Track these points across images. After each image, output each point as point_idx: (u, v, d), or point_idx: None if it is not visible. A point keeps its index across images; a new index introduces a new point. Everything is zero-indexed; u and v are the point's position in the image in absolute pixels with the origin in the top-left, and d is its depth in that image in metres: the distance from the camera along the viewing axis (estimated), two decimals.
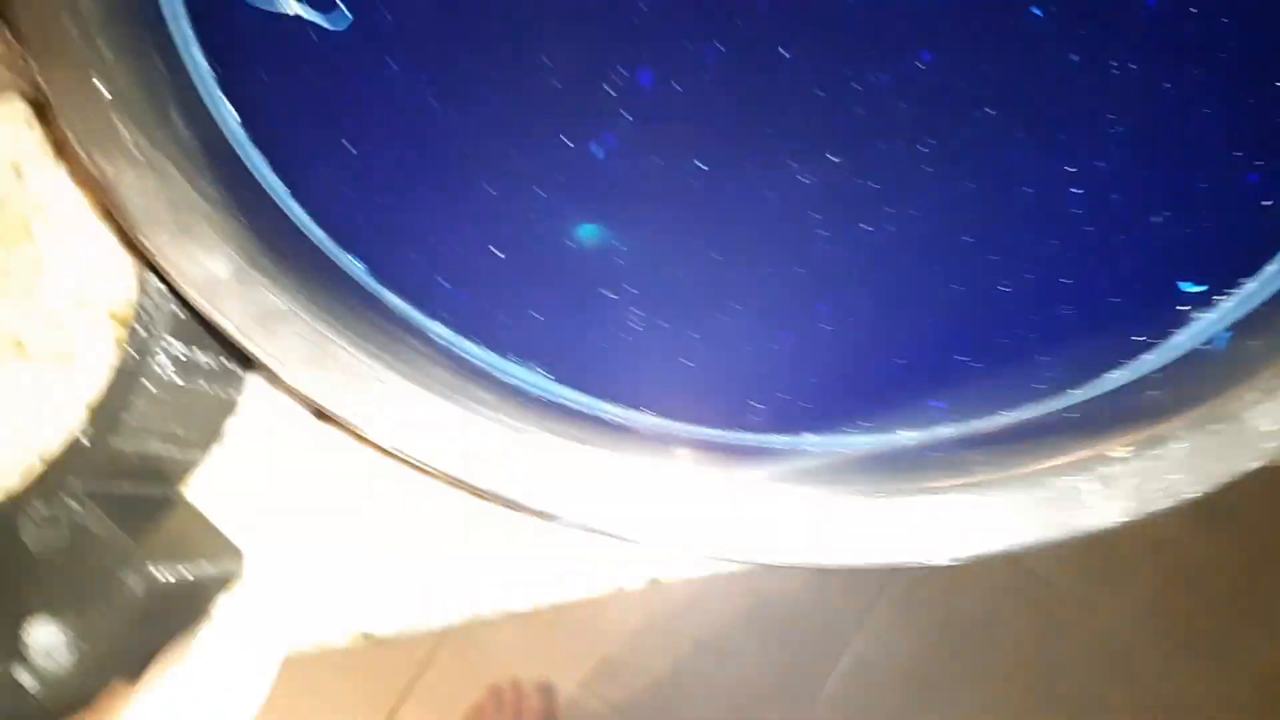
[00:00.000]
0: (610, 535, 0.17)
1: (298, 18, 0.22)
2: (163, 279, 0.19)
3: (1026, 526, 0.17)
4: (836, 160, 0.21)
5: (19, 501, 0.21)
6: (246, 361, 0.24)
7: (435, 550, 0.25)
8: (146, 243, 0.18)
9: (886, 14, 0.21)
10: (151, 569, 0.21)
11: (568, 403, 0.19)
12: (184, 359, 0.22)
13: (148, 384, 0.22)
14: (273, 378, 0.19)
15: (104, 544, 0.21)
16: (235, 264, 0.18)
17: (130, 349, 0.22)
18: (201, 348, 0.23)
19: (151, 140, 0.18)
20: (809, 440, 0.19)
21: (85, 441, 0.22)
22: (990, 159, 0.21)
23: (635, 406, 0.19)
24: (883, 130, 0.21)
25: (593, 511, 0.17)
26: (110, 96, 0.18)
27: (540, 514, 0.17)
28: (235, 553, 0.24)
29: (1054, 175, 0.20)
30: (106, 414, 0.22)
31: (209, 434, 0.25)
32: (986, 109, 0.21)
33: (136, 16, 0.21)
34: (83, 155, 0.18)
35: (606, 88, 0.21)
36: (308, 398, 0.17)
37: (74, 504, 0.21)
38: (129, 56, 0.19)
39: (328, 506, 0.25)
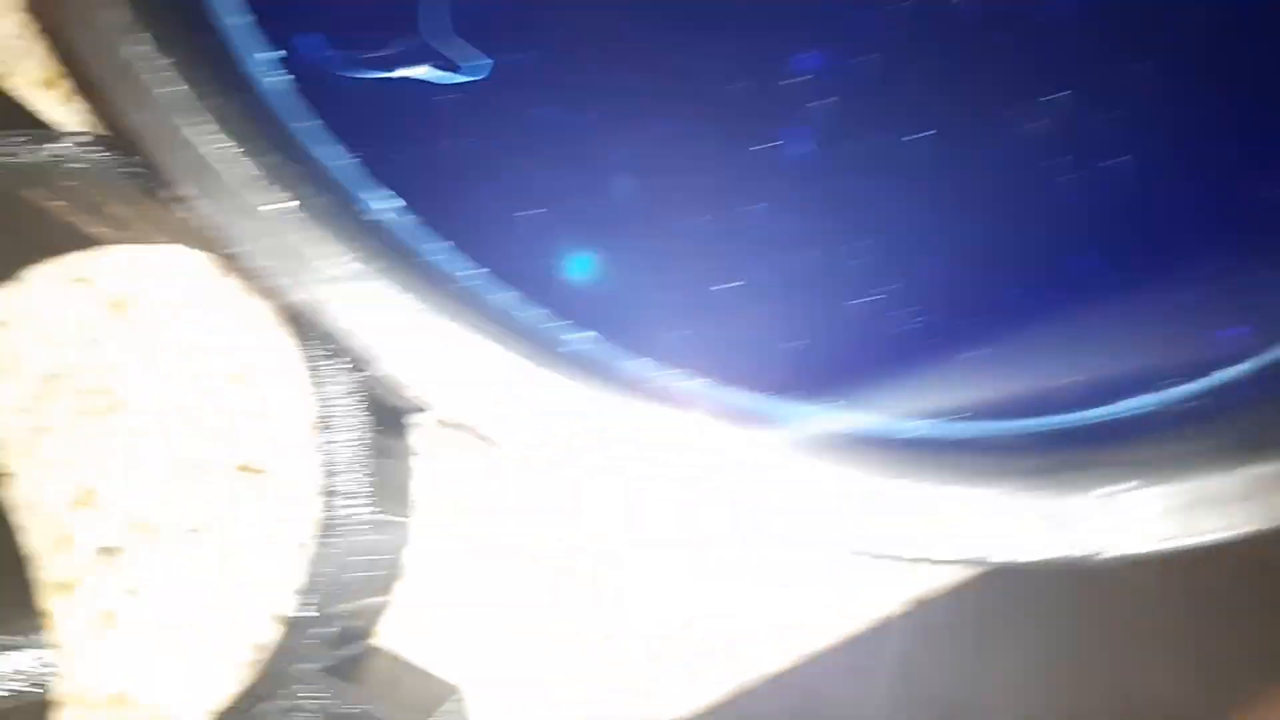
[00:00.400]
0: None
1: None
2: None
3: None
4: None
5: (255, 698, 0.19)
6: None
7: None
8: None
9: None
10: None
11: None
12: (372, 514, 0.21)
13: (345, 546, 0.21)
14: None
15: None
16: None
17: (329, 517, 0.21)
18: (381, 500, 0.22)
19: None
20: None
21: (305, 614, 0.20)
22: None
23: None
24: None
25: None
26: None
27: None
28: (453, 690, 0.23)
29: None
30: (317, 586, 0.20)
31: (392, 576, 0.23)
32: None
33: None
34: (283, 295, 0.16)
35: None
36: None
37: (308, 688, 0.19)
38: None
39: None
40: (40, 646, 0.23)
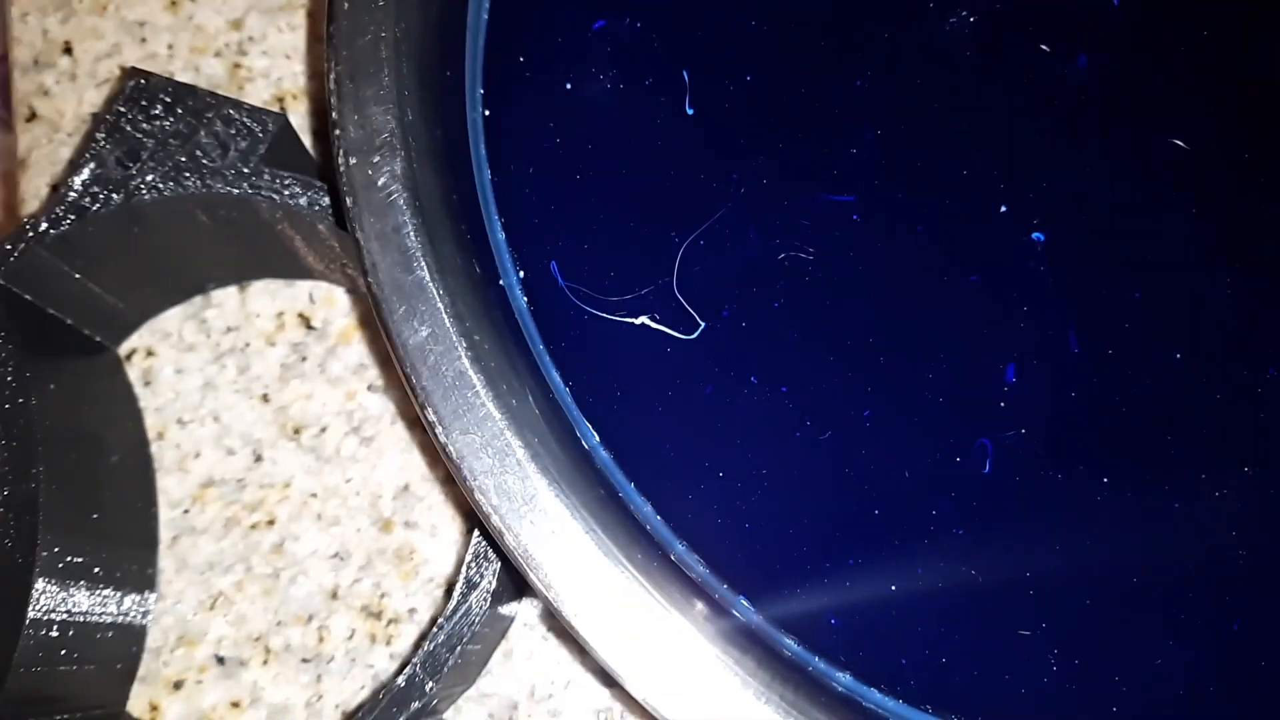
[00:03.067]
0: None
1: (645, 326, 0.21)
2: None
3: None
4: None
5: None
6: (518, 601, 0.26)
7: None
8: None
9: None
10: None
11: None
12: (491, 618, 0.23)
13: (464, 636, 0.22)
14: None
15: None
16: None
17: (459, 604, 0.22)
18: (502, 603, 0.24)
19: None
20: None
21: (401, 684, 0.21)
22: None
23: None
24: None
25: None
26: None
27: None
28: None
29: None
30: (428, 659, 0.21)
31: (482, 664, 0.24)
32: None
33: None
34: (505, 532, 0.17)
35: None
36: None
37: None
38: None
39: None
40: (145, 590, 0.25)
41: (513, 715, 0.26)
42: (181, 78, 0.30)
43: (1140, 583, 0.20)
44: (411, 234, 0.19)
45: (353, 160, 0.19)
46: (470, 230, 0.21)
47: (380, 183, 0.19)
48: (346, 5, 0.20)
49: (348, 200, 0.19)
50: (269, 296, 0.29)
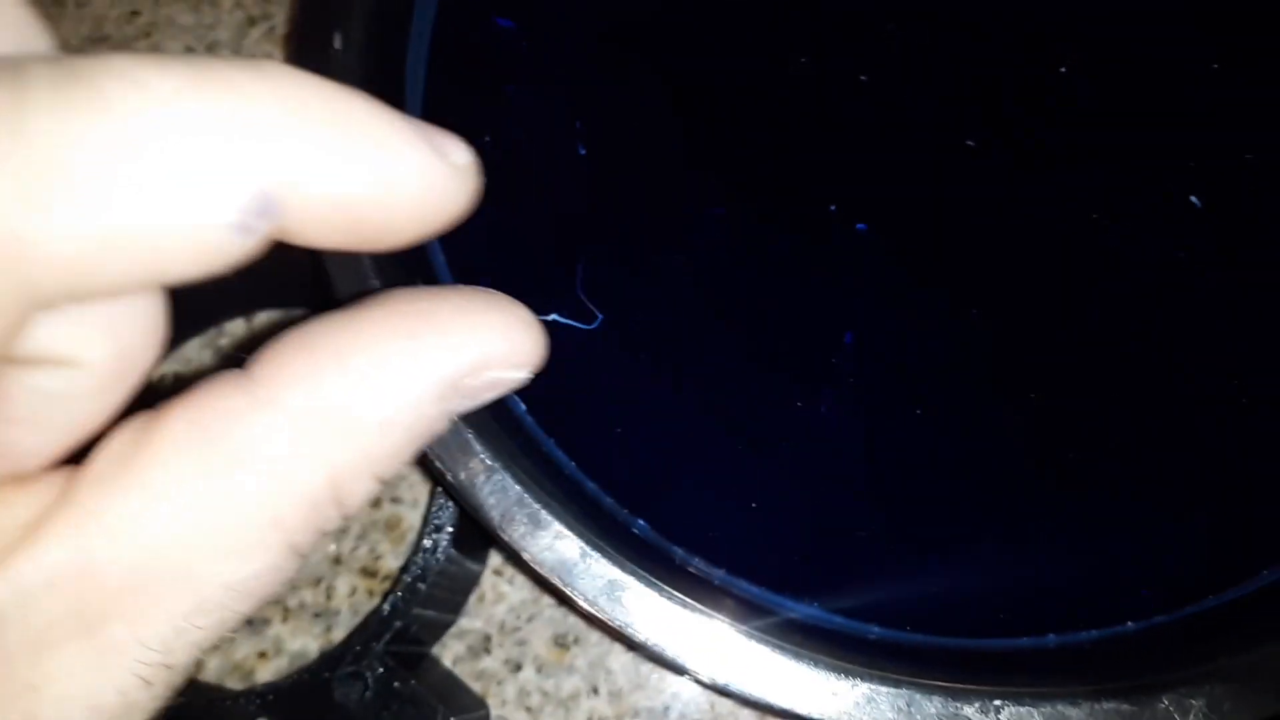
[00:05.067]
0: None
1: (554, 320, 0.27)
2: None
3: None
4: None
5: (332, 661, 0.26)
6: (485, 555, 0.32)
7: None
8: (504, 536, 0.23)
9: None
10: None
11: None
12: (454, 556, 0.29)
13: (432, 568, 0.28)
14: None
15: (404, 697, 0.26)
16: (580, 547, 0.22)
17: (424, 549, 0.28)
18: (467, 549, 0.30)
19: (497, 454, 0.23)
20: None
21: (386, 609, 0.26)
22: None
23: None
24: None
25: None
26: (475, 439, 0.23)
27: None
28: (483, 705, 0.29)
29: None
30: (406, 588, 0.27)
31: (459, 605, 0.30)
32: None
33: None
34: (446, 472, 0.23)
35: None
36: (657, 653, 0.22)
37: (376, 663, 0.26)
38: None
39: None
40: None
41: (487, 645, 0.32)
42: None
43: (943, 494, 0.27)
44: (366, 266, 0.25)
45: None
46: (416, 254, 0.27)
47: None
48: None
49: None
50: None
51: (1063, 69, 0.29)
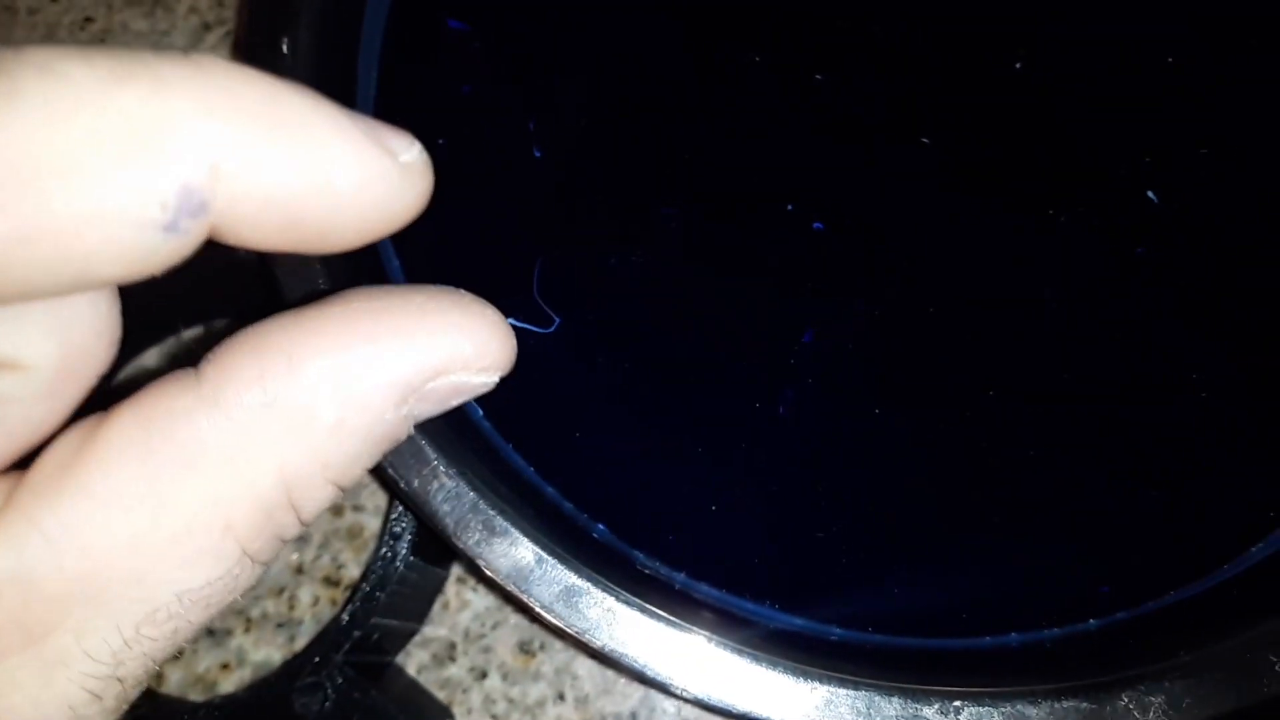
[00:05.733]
0: None
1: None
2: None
3: None
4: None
5: (292, 672, 0.26)
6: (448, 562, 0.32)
7: None
8: (459, 544, 0.23)
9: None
10: None
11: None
12: (415, 563, 0.29)
13: (392, 576, 0.28)
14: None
15: (364, 708, 0.26)
16: (536, 553, 0.22)
17: (383, 557, 0.28)
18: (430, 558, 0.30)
19: (452, 460, 0.23)
20: None
21: (345, 619, 0.26)
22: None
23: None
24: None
25: None
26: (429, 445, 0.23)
27: None
28: (448, 712, 0.29)
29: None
30: (364, 597, 0.26)
31: (422, 613, 0.30)
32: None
33: None
34: (398, 480, 0.23)
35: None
36: (615, 659, 0.22)
37: (336, 673, 0.26)
38: None
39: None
40: None
41: (451, 653, 0.32)
42: None
43: (906, 491, 0.27)
44: (315, 271, 0.25)
45: None
46: (368, 259, 0.27)
47: None
48: None
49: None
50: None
51: (1017, 65, 0.29)
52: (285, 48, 0.27)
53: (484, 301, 0.15)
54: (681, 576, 0.26)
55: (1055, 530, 0.26)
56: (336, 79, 0.28)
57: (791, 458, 0.27)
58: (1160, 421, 0.27)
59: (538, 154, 0.29)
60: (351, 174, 0.12)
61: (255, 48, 0.27)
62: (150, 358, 0.35)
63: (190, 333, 0.35)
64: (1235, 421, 0.27)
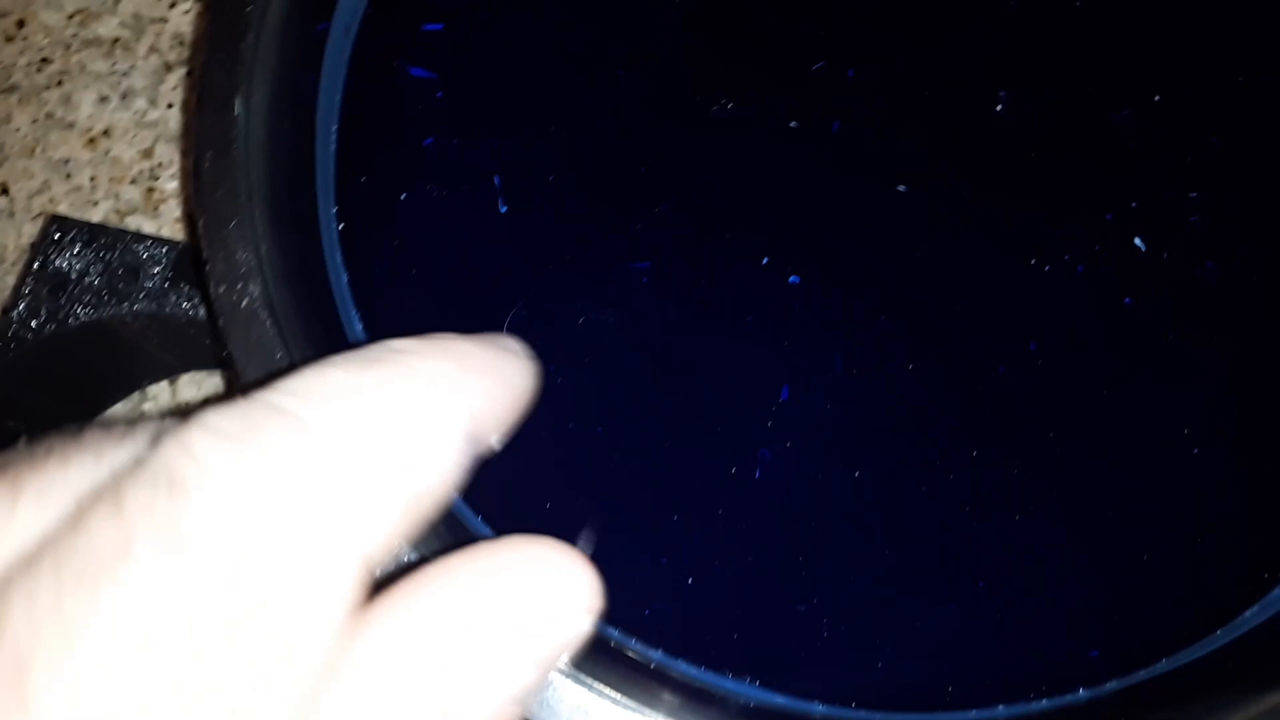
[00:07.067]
0: None
1: None
2: None
3: None
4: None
5: None
6: None
7: None
8: None
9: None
10: None
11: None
12: None
13: None
14: None
15: None
16: None
17: None
18: None
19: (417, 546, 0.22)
20: None
21: None
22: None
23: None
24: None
25: None
26: None
27: None
28: None
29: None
30: None
31: None
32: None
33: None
34: None
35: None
36: None
37: None
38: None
39: None
40: None
41: None
42: (104, 205, 0.35)
43: (888, 558, 0.26)
44: (272, 343, 0.24)
45: (221, 289, 0.24)
46: (327, 328, 0.26)
47: (243, 305, 0.24)
48: (208, 164, 0.25)
49: (220, 320, 0.24)
50: (195, 386, 0.34)
51: (999, 108, 0.28)
52: (238, 108, 0.26)
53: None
54: (659, 654, 0.25)
55: (1042, 595, 0.26)
56: (293, 137, 0.27)
57: (768, 525, 0.26)
58: (1150, 479, 0.26)
59: (504, 209, 0.28)
60: (527, 384, 0.18)
61: (206, 113, 0.26)
62: (116, 413, 0.34)
63: (155, 387, 0.34)
64: (1227, 479, 0.26)
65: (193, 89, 0.35)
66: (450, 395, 0.16)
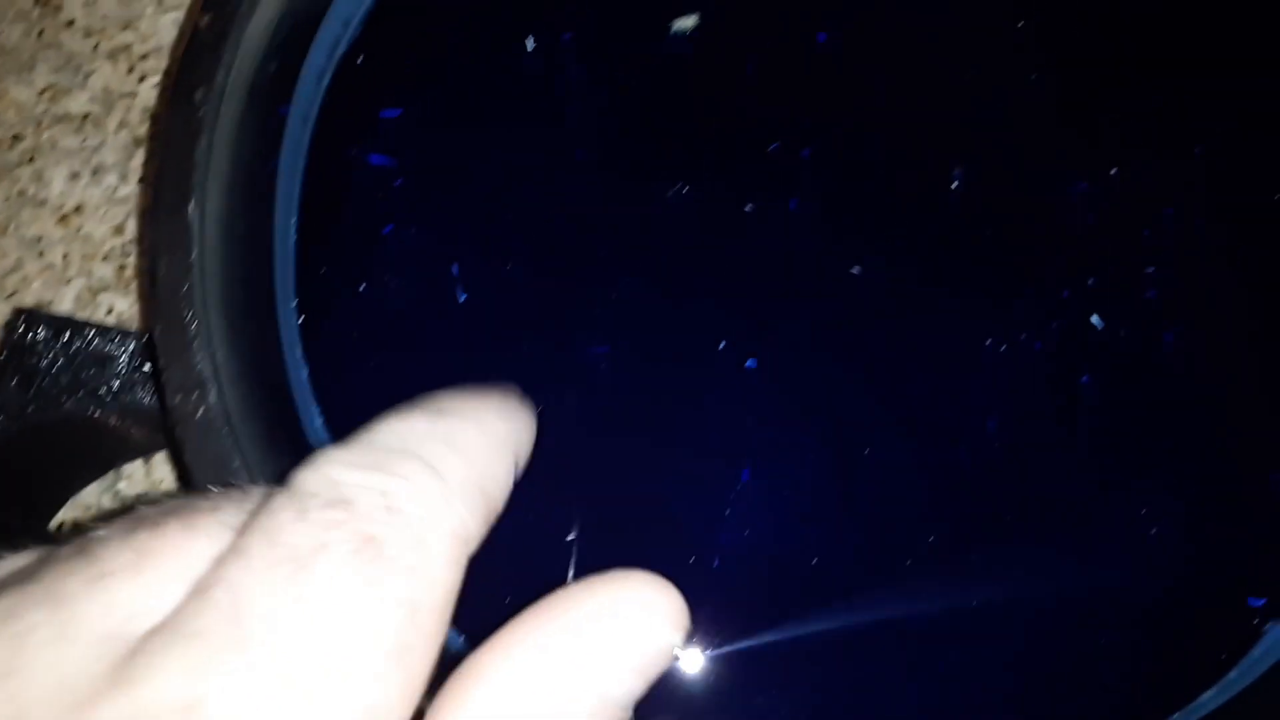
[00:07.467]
0: None
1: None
2: None
3: None
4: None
5: None
6: None
7: None
8: None
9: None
10: None
11: None
12: None
13: None
14: None
15: None
16: None
17: None
18: None
19: None
20: None
21: None
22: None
23: None
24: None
25: None
26: None
27: None
28: None
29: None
30: None
31: None
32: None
33: None
34: None
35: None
36: None
37: None
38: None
39: None
40: None
41: None
42: (77, 283, 0.35)
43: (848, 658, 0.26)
44: (228, 453, 0.24)
45: (177, 398, 0.24)
46: (288, 430, 0.26)
47: (199, 415, 0.24)
48: (163, 271, 0.25)
49: (176, 430, 0.24)
50: (169, 464, 0.34)
51: (954, 185, 0.28)
52: (191, 211, 0.26)
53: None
54: None
55: (997, 686, 0.26)
56: (250, 234, 0.28)
57: (734, 619, 0.26)
58: (1108, 559, 0.26)
59: (463, 297, 0.28)
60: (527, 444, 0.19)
61: (160, 217, 0.26)
62: (90, 494, 0.34)
63: (130, 466, 0.35)
64: (1182, 560, 0.26)
65: (145, 193, 0.36)
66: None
